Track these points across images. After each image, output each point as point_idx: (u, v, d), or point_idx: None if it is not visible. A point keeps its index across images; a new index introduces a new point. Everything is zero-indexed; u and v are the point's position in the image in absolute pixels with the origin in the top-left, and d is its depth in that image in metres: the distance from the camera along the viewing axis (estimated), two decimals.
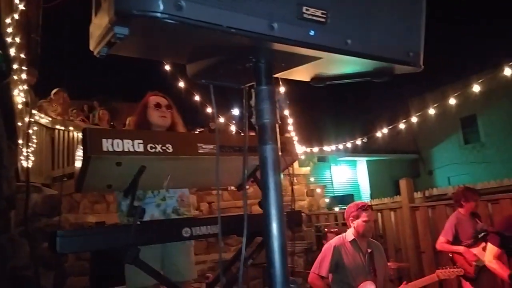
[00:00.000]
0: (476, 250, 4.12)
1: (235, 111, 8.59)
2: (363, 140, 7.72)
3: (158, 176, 1.99)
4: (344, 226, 6.98)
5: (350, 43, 0.87)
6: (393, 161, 15.93)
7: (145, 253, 1.95)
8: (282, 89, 7.25)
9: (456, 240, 4.30)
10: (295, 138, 8.13)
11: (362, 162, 15.34)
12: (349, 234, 3.35)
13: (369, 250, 3.32)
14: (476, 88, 5.04)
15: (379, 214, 6.87)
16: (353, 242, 3.29)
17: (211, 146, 1.82)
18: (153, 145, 1.68)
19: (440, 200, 6.91)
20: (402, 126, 6.71)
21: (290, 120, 7.45)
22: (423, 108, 6.23)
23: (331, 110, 16.08)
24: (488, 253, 3.61)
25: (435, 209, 6.03)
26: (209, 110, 6.92)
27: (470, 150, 15.49)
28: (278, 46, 0.84)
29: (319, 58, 0.92)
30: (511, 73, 4.50)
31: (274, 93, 0.95)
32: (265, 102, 0.94)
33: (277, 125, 0.95)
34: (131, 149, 1.61)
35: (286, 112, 7.11)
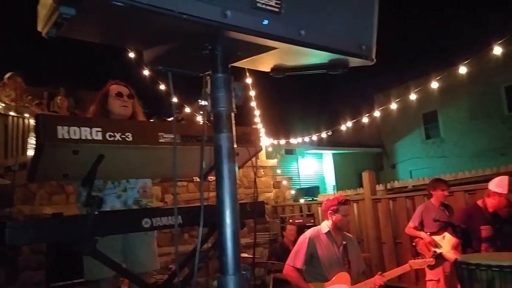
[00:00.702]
0: (437, 238, 4.37)
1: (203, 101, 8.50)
2: (328, 133, 7.86)
3: (118, 165, 1.96)
4: (309, 217, 7.12)
5: (304, 34, 0.88)
6: (358, 154, 16.33)
7: (105, 244, 1.91)
8: (249, 80, 7.26)
9: (421, 227, 4.60)
10: (262, 130, 8.18)
11: (328, 155, 15.64)
12: (324, 227, 3.36)
13: (344, 243, 3.34)
14: (435, 84, 5.23)
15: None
16: (328, 234, 3.31)
17: (173, 136, 1.81)
18: (112, 134, 1.64)
19: (401, 192, 7.16)
20: (365, 120, 6.88)
21: (257, 112, 7.47)
22: (386, 103, 6.40)
23: (298, 104, 16.27)
24: (446, 243, 3.83)
25: (396, 201, 6.24)
26: (175, 99, 6.81)
27: (431, 145, 16.10)
28: (231, 34, 0.84)
29: (274, 48, 0.93)
30: (466, 71, 4.70)
31: (230, 81, 0.96)
32: (220, 90, 0.94)
33: (232, 114, 0.96)
34: (89, 137, 1.56)
35: (253, 103, 7.13)
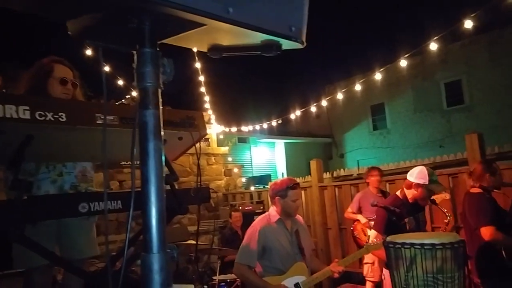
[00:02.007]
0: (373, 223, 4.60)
1: None
2: (278, 122, 7.97)
3: (52, 148, 1.86)
4: (259, 204, 7.22)
5: (232, 12, 0.88)
6: (309, 144, 16.72)
7: (38, 231, 1.82)
8: (197, 65, 7.15)
9: (359, 213, 4.85)
10: (213, 117, 8.13)
11: (280, 144, 15.88)
12: (274, 214, 3.06)
13: (295, 228, 3.10)
14: (378, 76, 5.45)
15: None
16: (278, 222, 3.03)
17: (111, 117, 1.74)
18: (42, 113, 1.55)
19: (346, 180, 7.43)
20: (313, 109, 7.04)
21: (207, 98, 7.40)
22: (333, 93, 6.58)
23: (251, 93, 16.32)
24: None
25: (342, 188, 6.47)
26: (121, 82, 6.57)
27: (378, 136, 16.80)
28: (156, 7, 0.82)
29: (203, 25, 0.92)
30: (407, 64, 4.93)
31: (157, 57, 0.93)
32: (147, 65, 0.91)
33: (159, 90, 0.94)
34: (15, 116, 1.46)
35: (203, 89, 7.05)
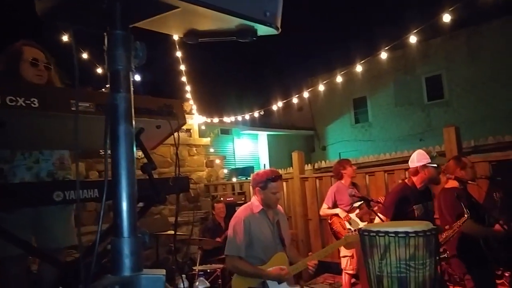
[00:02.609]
0: (352, 215, 4.63)
1: (136, 77, 8.16)
2: (261, 113, 7.96)
3: (25, 134, 1.82)
4: (240, 196, 7.24)
5: None
6: (291, 136, 16.79)
7: (13, 219, 1.79)
8: (178, 54, 7.05)
9: (335, 207, 4.81)
10: (194, 107, 8.06)
11: (263, 136, 15.90)
12: (256, 204, 3.07)
13: (277, 219, 3.12)
14: (359, 68, 5.50)
15: None
16: (261, 213, 3.04)
17: (87, 104, 1.71)
18: (13, 98, 1.51)
19: (327, 172, 7.50)
20: (295, 100, 7.05)
21: (188, 88, 7.32)
22: (314, 85, 6.61)
23: (234, 85, 16.26)
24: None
25: (322, 180, 6.55)
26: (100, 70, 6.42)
27: (359, 129, 16.99)
28: None
29: (176, 7, 0.91)
30: (388, 58, 4.98)
31: (129, 39, 0.92)
32: (118, 48, 0.90)
33: (131, 73, 0.92)
34: None
35: (184, 78, 6.97)
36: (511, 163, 4.59)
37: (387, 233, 1.62)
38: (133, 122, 0.92)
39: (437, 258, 1.92)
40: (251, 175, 3.36)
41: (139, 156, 2.24)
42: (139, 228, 0.91)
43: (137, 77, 8.36)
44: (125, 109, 0.90)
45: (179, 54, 6.61)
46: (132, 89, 0.93)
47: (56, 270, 2.13)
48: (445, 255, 3.22)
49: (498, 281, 4.05)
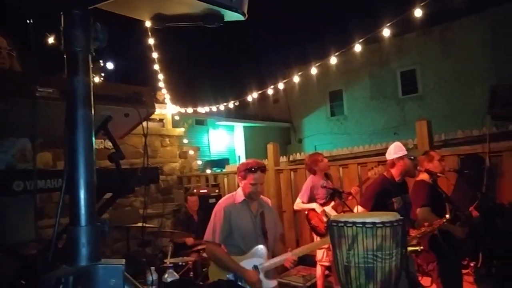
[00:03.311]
0: (327, 208, 4.65)
1: (109, 64, 7.93)
2: (235, 104, 7.91)
3: None
4: (214, 188, 7.20)
5: None
6: (268, 128, 16.82)
7: None
8: (151, 41, 6.89)
9: (311, 201, 4.80)
10: (167, 97, 7.92)
11: (239, 128, 15.87)
12: (240, 194, 3.07)
13: (261, 211, 3.07)
14: (334, 60, 5.53)
15: None
16: (243, 202, 3.03)
17: (50, 90, 1.64)
18: None
19: (302, 164, 7.56)
20: (270, 92, 7.04)
21: (161, 76, 7.17)
22: (289, 76, 6.62)
23: (209, 75, 16.10)
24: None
25: (297, 172, 6.58)
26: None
27: (335, 122, 17.17)
28: None
29: None
30: (364, 51, 5.03)
31: (88, 20, 0.88)
32: (76, 28, 0.85)
33: (90, 56, 0.88)
34: None
35: (156, 67, 6.83)
36: (478, 156, 4.73)
37: (354, 223, 1.63)
38: (92, 108, 0.88)
39: (406, 249, 1.96)
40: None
41: (109, 146, 2.17)
42: (98, 217, 0.87)
43: (110, 65, 8.16)
44: (83, 93, 0.86)
45: (151, 41, 6.44)
46: (91, 72, 0.88)
47: (15, 264, 2.05)
48: (418, 249, 3.30)
49: (464, 271, 4.21)
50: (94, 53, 0.89)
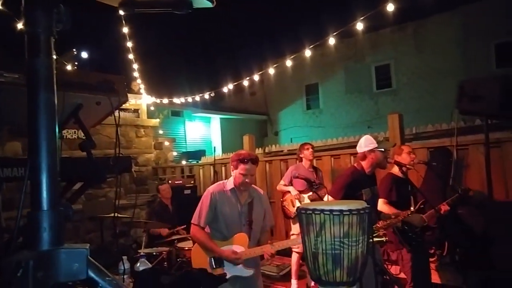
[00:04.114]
0: (304, 195, 4.81)
1: (84, 53, 7.71)
2: (211, 95, 7.86)
3: None
4: (189, 179, 7.17)
5: None
6: (245, 120, 16.81)
7: None
8: (125, 29, 6.75)
9: (291, 185, 5.02)
10: (142, 87, 7.80)
11: (216, 120, 15.79)
12: (230, 182, 3.11)
13: (249, 200, 3.10)
14: (308, 53, 5.58)
15: (223, 167, 7.28)
16: (232, 190, 3.07)
17: (16, 75, 1.60)
18: None
19: (277, 156, 7.62)
20: (246, 83, 7.02)
21: (135, 66, 7.04)
22: (265, 69, 6.62)
23: (185, 66, 15.91)
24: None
25: (272, 163, 6.64)
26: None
27: (311, 115, 17.31)
28: None
29: None
30: (338, 45, 5.08)
31: (49, 1, 0.86)
32: (37, 8, 0.83)
33: (52, 38, 0.87)
34: None
35: (131, 56, 6.70)
36: (446, 149, 4.89)
37: (322, 211, 1.66)
38: (55, 91, 0.87)
39: (371, 237, 2.01)
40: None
41: (83, 137, 2.13)
42: (62, 201, 0.86)
43: (84, 55, 7.94)
44: (45, 76, 0.85)
45: (126, 30, 6.28)
46: (53, 55, 0.87)
47: None
48: (384, 239, 3.40)
49: (431, 259, 4.37)
50: (56, 36, 0.87)
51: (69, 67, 7.00)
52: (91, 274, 0.81)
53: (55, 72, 0.88)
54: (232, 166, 3.09)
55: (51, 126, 0.84)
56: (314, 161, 5.94)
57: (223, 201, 3.03)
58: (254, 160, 3.01)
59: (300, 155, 5.17)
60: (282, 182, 5.20)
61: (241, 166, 2.97)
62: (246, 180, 2.99)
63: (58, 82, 1.01)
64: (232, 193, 3.07)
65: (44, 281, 0.77)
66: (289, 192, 5.01)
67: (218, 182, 3.22)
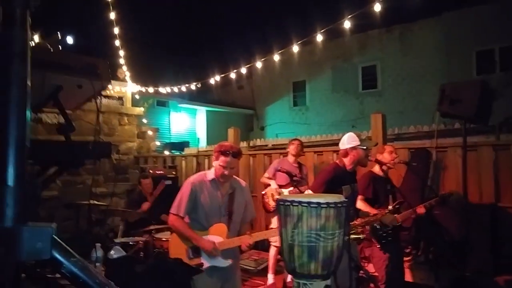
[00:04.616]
0: (285, 190, 4.83)
1: (69, 38, 7.54)
2: (198, 85, 7.79)
3: None
4: (171, 169, 7.12)
5: None
6: (231, 114, 16.76)
7: None
8: (112, 15, 6.64)
9: (274, 179, 5.05)
10: (128, 74, 7.69)
11: (202, 112, 15.71)
12: (211, 173, 3.08)
13: (231, 192, 3.08)
14: (296, 48, 5.60)
15: (206, 159, 7.26)
16: (213, 181, 3.04)
17: None
18: None
19: (261, 150, 7.64)
20: (233, 76, 6.99)
21: (121, 53, 6.92)
22: (253, 62, 6.61)
23: (172, 57, 15.70)
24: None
25: (256, 157, 6.65)
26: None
27: (297, 112, 17.36)
28: None
29: None
30: (326, 43, 5.11)
31: None
32: None
33: (28, 11, 0.84)
34: None
35: (117, 42, 6.58)
36: (426, 151, 4.99)
37: (300, 203, 1.67)
38: (28, 65, 0.84)
39: (349, 231, 2.03)
40: None
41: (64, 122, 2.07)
42: (30, 179, 0.84)
43: (69, 40, 7.76)
44: (20, 49, 0.82)
45: (113, 15, 6.15)
46: (29, 28, 0.84)
47: None
48: (361, 236, 3.45)
49: (406, 258, 4.45)
50: (33, 9, 0.85)
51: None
52: (55, 254, 0.79)
53: (30, 46, 0.85)
54: (214, 157, 3.05)
55: (21, 99, 0.82)
56: None
57: (203, 192, 3.00)
58: (236, 154, 2.98)
59: (288, 149, 5.25)
60: (266, 174, 5.24)
61: (222, 158, 2.93)
62: (225, 172, 2.95)
63: (37, 61, 0.98)
64: (213, 184, 3.04)
65: (4, 258, 0.74)
66: (269, 185, 5.03)
67: (199, 173, 3.20)
